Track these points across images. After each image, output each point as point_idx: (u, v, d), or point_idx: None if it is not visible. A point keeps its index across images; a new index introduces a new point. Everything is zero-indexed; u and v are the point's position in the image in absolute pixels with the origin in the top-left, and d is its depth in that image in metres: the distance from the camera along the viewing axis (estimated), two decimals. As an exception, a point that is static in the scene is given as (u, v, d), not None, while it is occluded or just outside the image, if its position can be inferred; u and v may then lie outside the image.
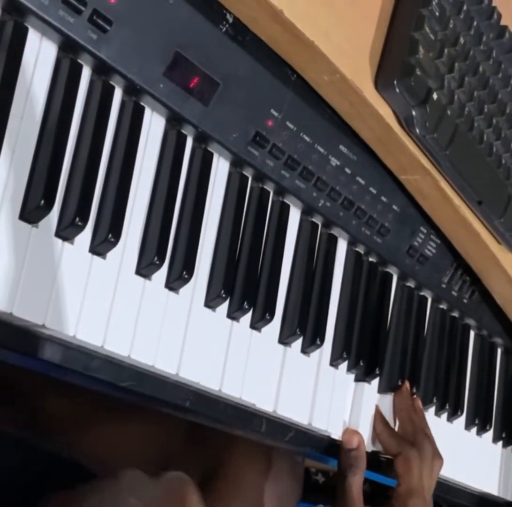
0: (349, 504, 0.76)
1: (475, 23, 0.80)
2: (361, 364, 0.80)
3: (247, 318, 0.69)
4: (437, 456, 0.83)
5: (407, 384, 0.86)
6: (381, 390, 0.84)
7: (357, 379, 0.81)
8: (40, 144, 0.55)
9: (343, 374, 0.79)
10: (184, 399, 0.65)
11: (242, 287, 0.68)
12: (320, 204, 0.75)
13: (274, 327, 0.72)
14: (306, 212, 0.76)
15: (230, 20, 0.64)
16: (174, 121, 0.64)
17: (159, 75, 0.60)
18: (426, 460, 0.82)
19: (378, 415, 0.83)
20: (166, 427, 0.84)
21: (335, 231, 0.79)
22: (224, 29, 0.64)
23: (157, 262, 0.61)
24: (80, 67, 0.58)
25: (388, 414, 0.84)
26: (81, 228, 0.56)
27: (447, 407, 0.92)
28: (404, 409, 0.85)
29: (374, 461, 0.82)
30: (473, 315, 0.97)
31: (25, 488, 0.91)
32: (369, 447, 0.81)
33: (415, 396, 0.87)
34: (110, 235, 0.57)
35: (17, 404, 0.84)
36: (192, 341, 0.64)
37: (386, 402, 0.84)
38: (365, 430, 0.81)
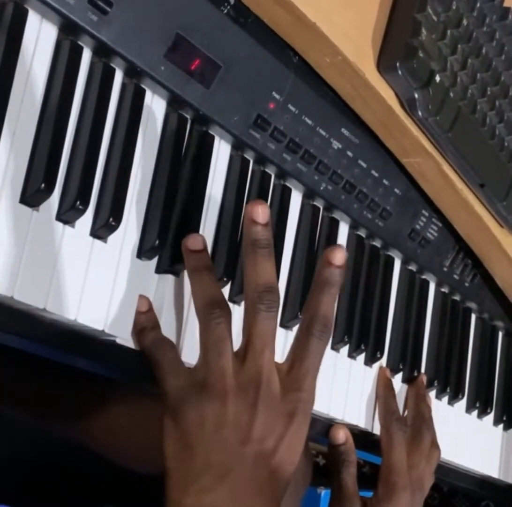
0: (347, 497, 0.77)
1: (478, 5, 0.80)
2: (363, 347, 0.80)
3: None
4: (435, 446, 0.83)
5: (423, 377, 0.87)
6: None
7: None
8: (40, 127, 0.54)
9: (344, 358, 0.79)
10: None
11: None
12: (321, 188, 0.74)
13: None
14: (308, 195, 0.76)
15: (232, 1, 0.63)
16: (175, 104, 0.63)
17: (160, 57, 0.60)
18: (422, 445, 0.81)
19: (383, 378, 0.83)
20: None
21: (336, 215, 0.79)
22: (225, 11, 0.63)
23: (158, 245, 0.61)
24: (80, 49, 0.57)
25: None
26: (82, 212, 0.55)
27: (448, 390, 0.92)
28: (414, 396, 0.85)
29: (373, 441, 0.82)
30: (475, 298, 0.97)
31: (34, 473, 0.91)
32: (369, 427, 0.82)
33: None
34: (111, 219, 0.57)
35: (22, 389, 0.84)
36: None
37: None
38: (366, 413, 0.81)
